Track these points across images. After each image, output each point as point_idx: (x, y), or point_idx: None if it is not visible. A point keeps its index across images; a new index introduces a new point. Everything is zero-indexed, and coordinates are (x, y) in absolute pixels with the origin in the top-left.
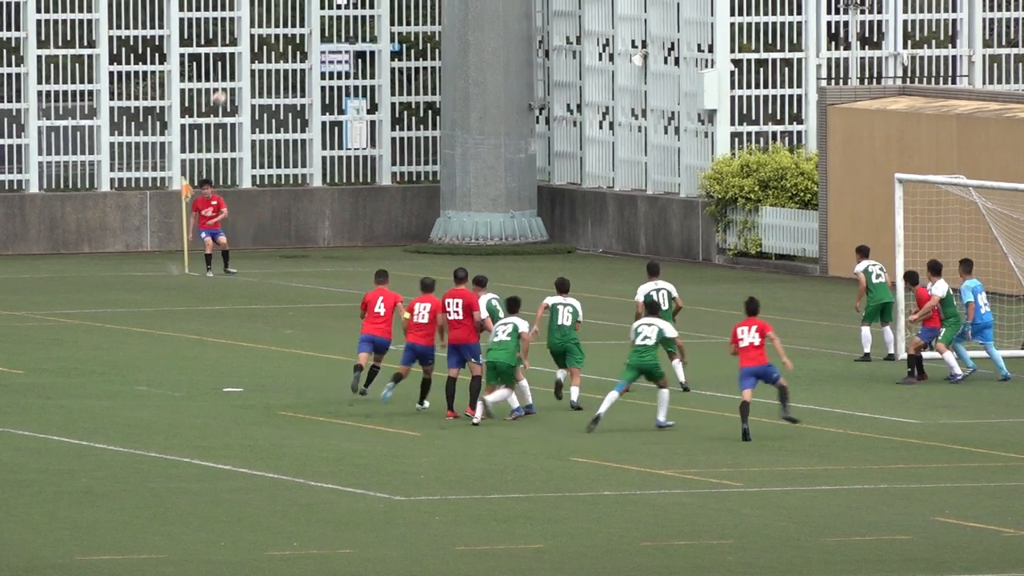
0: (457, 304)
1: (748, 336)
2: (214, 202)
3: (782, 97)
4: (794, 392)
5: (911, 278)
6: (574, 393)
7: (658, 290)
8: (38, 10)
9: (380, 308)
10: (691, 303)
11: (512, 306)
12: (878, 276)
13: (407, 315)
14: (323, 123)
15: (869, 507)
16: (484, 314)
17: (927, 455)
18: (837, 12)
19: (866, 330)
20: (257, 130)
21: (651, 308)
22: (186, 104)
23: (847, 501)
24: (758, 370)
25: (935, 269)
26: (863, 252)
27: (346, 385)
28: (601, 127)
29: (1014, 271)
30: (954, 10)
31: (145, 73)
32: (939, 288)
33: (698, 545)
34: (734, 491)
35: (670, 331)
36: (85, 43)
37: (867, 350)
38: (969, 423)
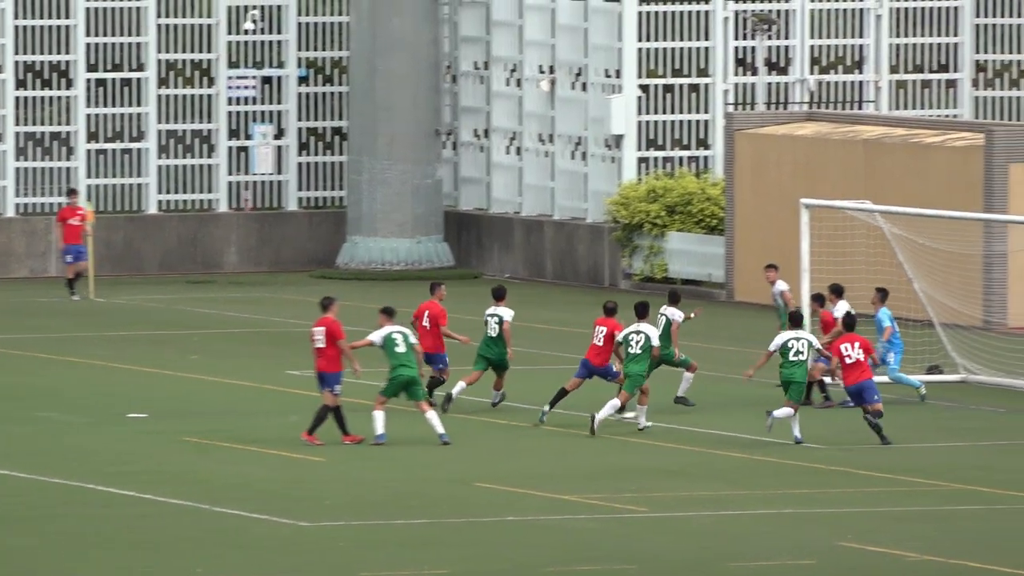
0: (321, 332)
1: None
2: (80, 211)
3: (689, 122)
4: (702, 418)
5: (817, 300)
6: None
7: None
8: None
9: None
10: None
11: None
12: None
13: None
14: (230, 148)
15: (774, 532)
16: (378, 340)
17: (832, 480)
18: (744, 37)
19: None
20: (163, 155)
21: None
22: (92, 129)
23: (752, 526)
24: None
25: (837, 291)
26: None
27: (253, 412)
28: (508, 152)
29: (919, 296)
30: (861, 36)
31: (51, 99)
32: (840, 310)
33: (602, 570)
34: (639, 516)
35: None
36: None
37: None
38: (874, 448)
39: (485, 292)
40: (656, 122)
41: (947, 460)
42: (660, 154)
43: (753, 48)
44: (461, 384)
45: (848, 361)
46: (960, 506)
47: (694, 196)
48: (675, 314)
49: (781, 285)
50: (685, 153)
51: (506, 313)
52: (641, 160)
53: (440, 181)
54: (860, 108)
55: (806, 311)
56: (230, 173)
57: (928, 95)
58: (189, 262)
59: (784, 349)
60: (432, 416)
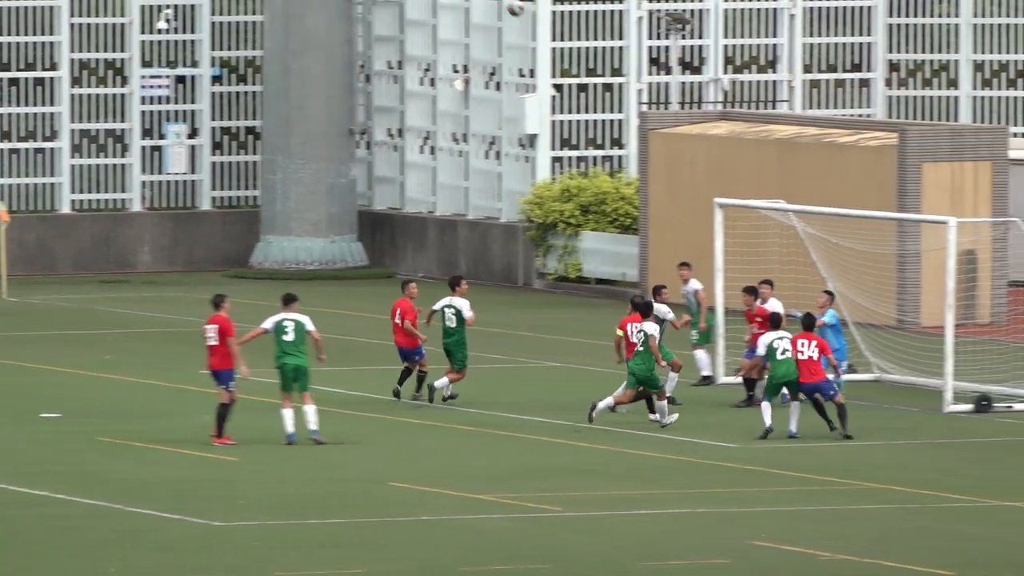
0: (213, 330)
1: None
2: None
3: (603, 122)
4: (619, 418)
5: (751, 292)
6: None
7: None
8: None
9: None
10: (512, 328)
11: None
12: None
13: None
14: (143, 148)
15: (688, 531)
16: (270, 326)
17: (746, 479)
18: (658, 37)
19: (700, 353)
20: (76, 155)
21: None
22: (4, 128)
23: (666, 525)
24: None
25: (770, 285)
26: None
27: (167, 412)
28: (422, 152)
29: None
30: (774, 35)
31: None
32: (773, 305)
33: (517, 570)
34: (554, 516)
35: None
36: None
37: (706, 372)
38: (788, 447)
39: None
40: (570, 121)
41: (861, 459)
42: (574, 153)
43: (667, 47)
44: (444, 379)
45: (801, 357)
46: (874, 505)
47: (608, 195)
48: (652, 328)
49: (695, 284)
50: (599, 152)
51: (462, 304)
52: (555, 159)
53: (354, 180)
54: (774, 107)
55: (720, 308)
56: (143, 173)
57: (841, 95)
58: (102, 262)
59: (771, 350)
60: (310, 410)
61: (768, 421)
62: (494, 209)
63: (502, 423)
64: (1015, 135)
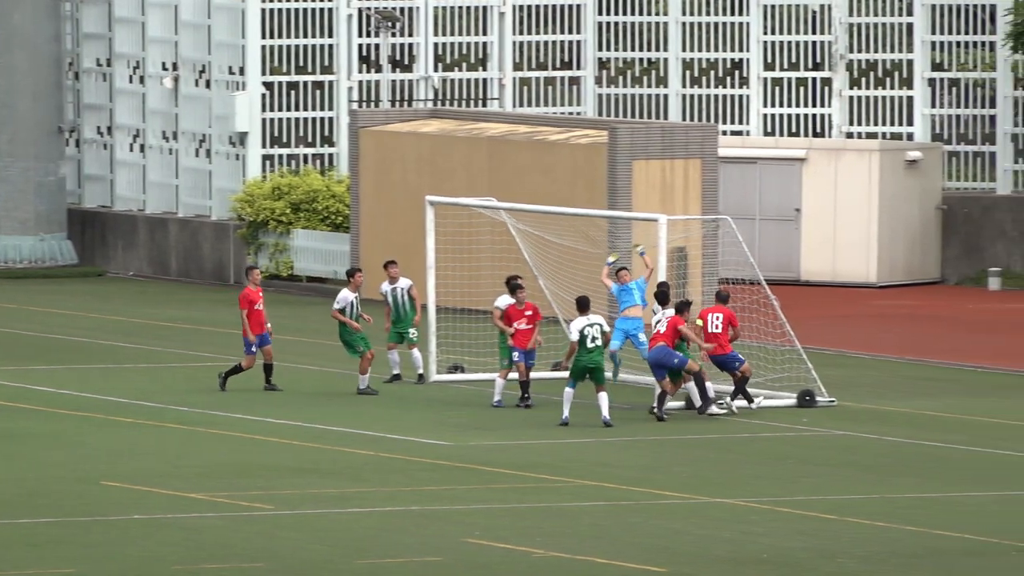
0: None
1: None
2: None
3: (314, 120)
4: (328, 415)
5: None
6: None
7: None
8: None
9: None
10: (221, 326)
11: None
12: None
13: None
14: None
15: (401, 529)
16: None
17: (459, 477)
18: (369, 35)
19: (393, 353)
20: None
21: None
22: None
23: (379, 523)
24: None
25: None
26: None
27: None
28: (132, 150)
29: (544, 293)
30: (484, 33)
31: None
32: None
33: (230, 568)
34: (267, 514)
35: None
36: None
37: (396, 372)
38: (500, 444)
39: (109, 291)
40: (281, 119)
41: (574, 456)
42: (285, 151)
43: (377, 45)
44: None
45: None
46: (587, 502)
47: (319, 193)
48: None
49: (405, 282)
50: (310, 151)
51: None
52: (266, 157)
53: (63, 178)
54: (484, 105)
55: (432, 307)
56: None
57: (552, 92)
58: None
59: (581, 337)
60: None
61: (566, 413)
62: (204, 207)
63: (213, 421)
64: (724, 133)
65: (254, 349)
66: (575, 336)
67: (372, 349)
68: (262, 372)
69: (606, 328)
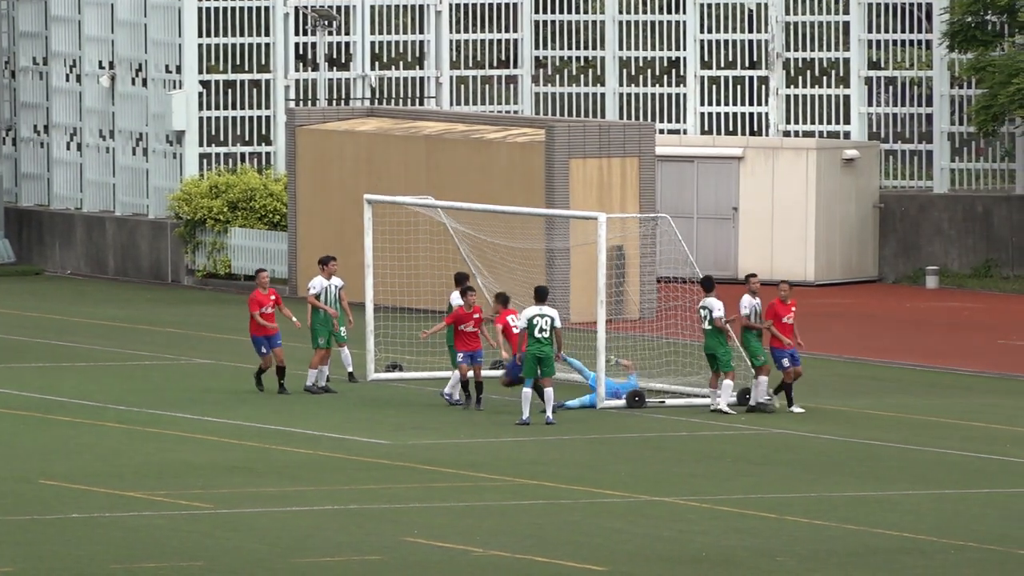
0: None
1: None
2: None
3: (251, 118)
4: (259, 414)
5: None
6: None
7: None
8: None
9: None
10: (159, 325)
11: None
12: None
13: None
14: None
15: (340, 528)
16: None
17: (397, 476)
18: (305, 33)
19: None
20: None
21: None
22: None
23: (317, 522)
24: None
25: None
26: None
27: None
28: (69, 148)
29: (483, 292)
30: (422, 32)
31: None
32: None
33: (168, 567)
34: (205, 513)
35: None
36: None
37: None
38: (439, 443)
39: (47, 289)
40: (217, 118)
41: (512, 455)
42: (222, 150)
43: (314, 44)
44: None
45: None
46: (526, 501)
47: (256, 192)
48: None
49: (338, 281)
50: (247, 149)
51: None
52: (203, 156)
53: (0, 177)
54: (422, 104)
55: (370, 305)
56: None
57: (489, 91)
58: None
59: (529, 326)
60: None
61: (526, 413)
62: (142, 206)
63: (151, 420)
64: (662, 132)
65: (264, 350)
66: (522, 323)
67: (331, 348)
68: (254, 376)
69: (558, 323)
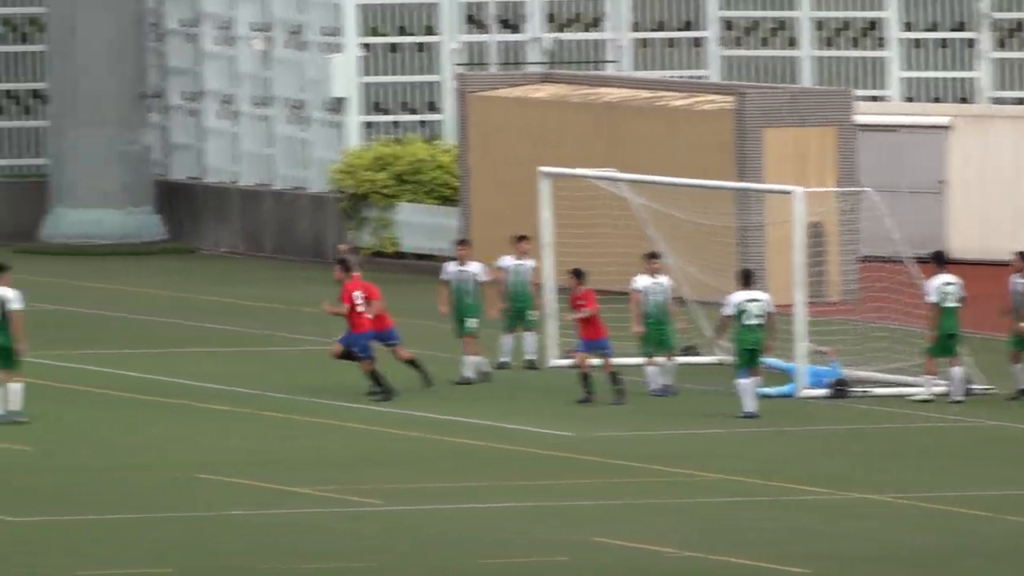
0: None
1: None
2: None
3: (417, 84)
4: (440, 404)
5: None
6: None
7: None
8: None
9: None
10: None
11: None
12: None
13: None
14: None
15: (521, 526)
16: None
17: (579, 469)
18: None
19: (507, 338)
20: None
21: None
22: None
23: (498, 521)
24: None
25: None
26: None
27: None
28: (222, 117)
29: (675, 272)
30: None
31: None
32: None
33: (336, 568)
34: (374, 511)
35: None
36: None
37: (505, 359)
38: (624, 436)
39: (201, 268)
40: (381, 84)
41: (702, 447)
42: (386, 118)
43: (484, 4)
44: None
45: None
46: (719, 498)
47: (424, 164)
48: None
49: (505, 261)
50: (414, 117)
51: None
52: (366, 125)
53: (148, 148)
54: (601, 69)
55: (551, 286)
56: None
57: (673, 55)
58: None
59: (738, 312)
60: (15, 388)
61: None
62: (302, 178)
63: (314, 410)
64: (861, 99)
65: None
66: (730, 311)
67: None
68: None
69: (771, 308)
